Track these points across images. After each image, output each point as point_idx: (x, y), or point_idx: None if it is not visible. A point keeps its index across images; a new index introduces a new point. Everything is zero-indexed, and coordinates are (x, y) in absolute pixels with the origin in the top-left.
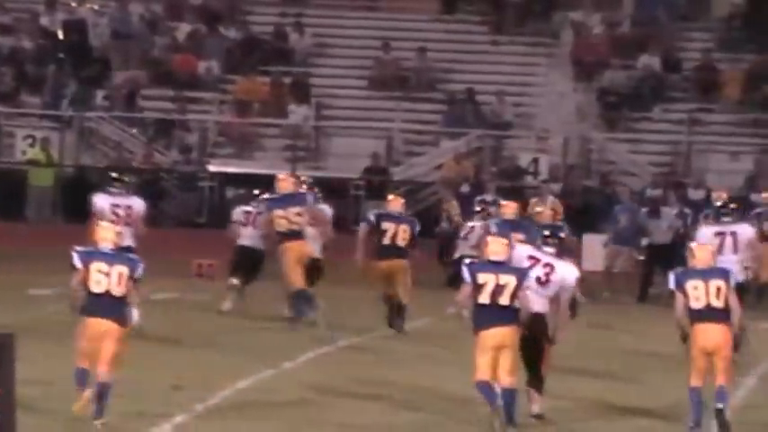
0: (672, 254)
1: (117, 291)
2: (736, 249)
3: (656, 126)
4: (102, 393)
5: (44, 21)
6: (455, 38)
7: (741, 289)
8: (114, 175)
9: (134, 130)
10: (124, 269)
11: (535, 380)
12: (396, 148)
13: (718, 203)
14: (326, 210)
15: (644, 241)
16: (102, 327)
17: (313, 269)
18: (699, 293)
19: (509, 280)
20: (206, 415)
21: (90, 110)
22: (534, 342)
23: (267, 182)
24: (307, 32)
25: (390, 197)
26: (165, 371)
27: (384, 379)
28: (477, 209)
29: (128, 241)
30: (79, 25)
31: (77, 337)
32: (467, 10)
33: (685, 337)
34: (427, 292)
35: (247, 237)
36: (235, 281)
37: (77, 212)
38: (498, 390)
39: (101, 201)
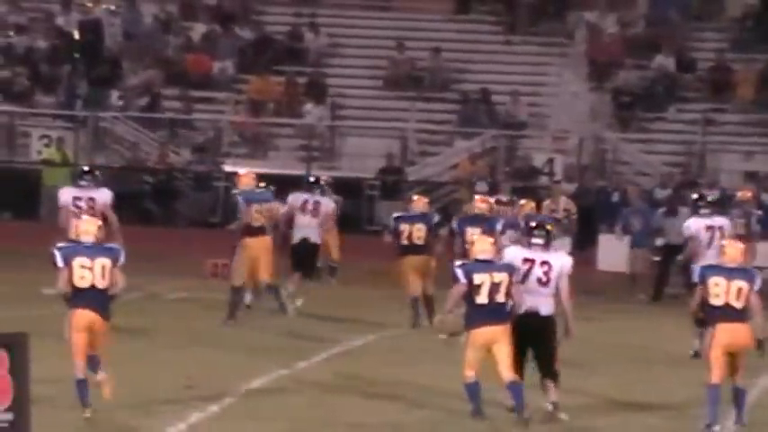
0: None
1: (101, 284)
2: None
3: (670, 126)
4: (83, 384)
5: (59, 21)
6: (469, 38)
7: None
8: (85, 168)
9: (153, 134)
10: (106, 261)
11: (551, 375)
12: (410, 148)
13: (695, 197)
14: (329, 203)
15: (659, 241)
16: (88, 318)
17: (312, 254)
18: (719, 291)
19: (502, 277)
20: (220, 415)
21: (104, 110)
22: (546, 344)
23: (281, 182)
24: (321, 32)
25: (415, 197)
26: (179, 371)
27: (396, 378)
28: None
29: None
30: (94, 25)
31: (67, 330)
32: (481, 10)
33: (700, 321)
34: (440, 291)
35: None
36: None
37: None
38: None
39: (64, 195)
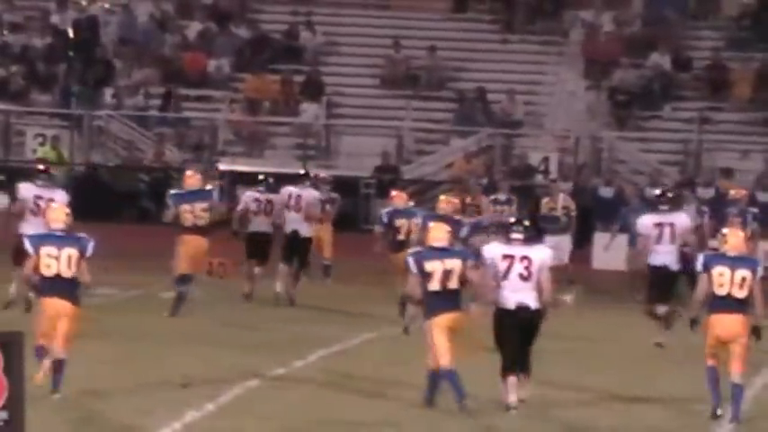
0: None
1: (67, 273)
2: (673, 239)
3: (666, 125)
4: (58, 368)
5: (55, 19)
6: (466, 36)
7: (676, 277)
8: (41, 167)
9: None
10: (73, 251)
11: (525, 366)
12: (406, 147)
13: (656, 192)
14: (311, 194)
15: None
16: (56, 306)
17: (302, 248)
18: (724, 280)
19: (454, 264)
20: (216, 413)
21: (98, 108)
22: (528, 336)
23: (286, 180)
24: (317, 31)
25: (394, 193)
26: (175, 369)
27: (393, 377)
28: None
29: None
30: (90, 24)
31: (37, 317)
32: (477, 9)
33: (693, 324)
34: None
35: (258, 224)
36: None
37: (88, 211)
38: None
39: (25, 190)
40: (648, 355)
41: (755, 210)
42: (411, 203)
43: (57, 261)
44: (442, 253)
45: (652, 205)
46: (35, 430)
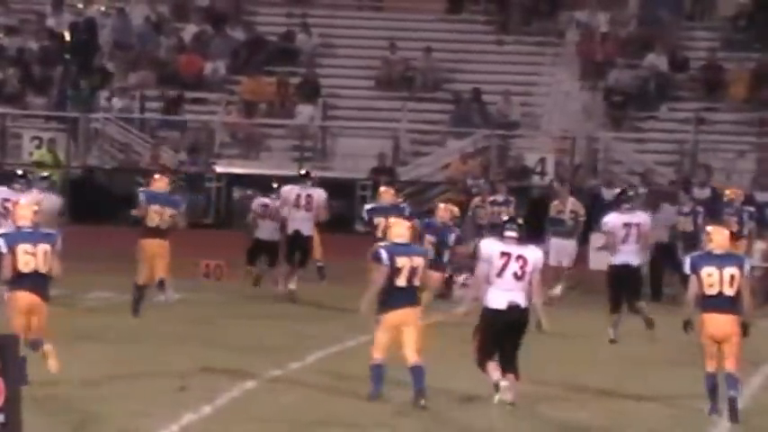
0: (673, 251)
1: (43, 268)
2: (638, 239)
3: (662, 125)
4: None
5: (50, 22)
6: (461, 38)
7: (638, 272)
8: (19, 172)
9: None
10: (47, 246)
11: (515, 368)
12: (402, 148)
13: (618, 191)
14: (321, 194)
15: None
16: (28, 300)
17: (305, 246)
18: (713, 280)
19: (419, 262)
20: (213, 416)
21: (94, 111)
22: (519, 337)
23: (282, 182)
24: (313, 32)
25: (383, 189)
26: (172, 372)
27: (391, 378)
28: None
29: None
30: (85, 26)
31: (8, 312)
32: (473, 10)
33: (687, 325)
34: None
35: (265, 229)
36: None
37: (84, 213)
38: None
39: None
40: (643, 355)
41: (752, 209)
42: (400, 200)
43: (34, 257)
44: (408, 249)
45: (616, 205)
46: None
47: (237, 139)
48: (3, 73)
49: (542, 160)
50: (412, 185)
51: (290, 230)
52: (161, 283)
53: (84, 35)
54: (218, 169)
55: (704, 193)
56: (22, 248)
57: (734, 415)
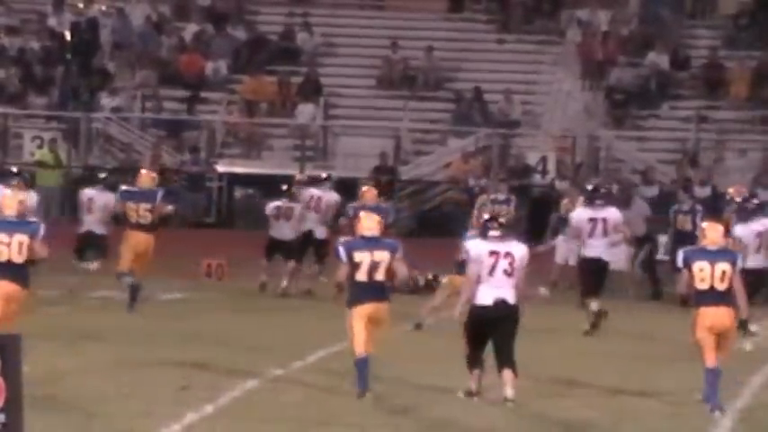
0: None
1: (18, 259)
2: (606, 233)
3: (664, 123)
4: None
5: (51, 22)
6: (462, 37)
7: (605, 269)
8: (14, 170)
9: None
10: (24, 237)
11: (512, 364)
12: (404, 148)
13: (589, 187)
14: (331, 197)
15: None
16: (6, 289)
17: (319, 249)
18: (704, 275)
19: (383, 256)
20: (216, 415)
21: (95, 111)
22: (511, 333)
23: (277, 181)
24: (314, 32)
25: (364, 188)
26: (173, 371)
27: (393, 378)
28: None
29: None
30: (87, 26)
31: None
32: (474, 9)
33: (684, 301)
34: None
35: (279, 229)
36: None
37: None
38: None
39: None
40: (644, 352)
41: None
42: (381, 200)
43: (8, 248)
44: (371, 244)
45: (589, 201)
46: None
47: (239, 139)
48: (4, 73)
49: (544, 159)
50: (413, 185)
51: (303, 230)
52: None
53: (85, 35)
54: (220, 169)
55: (705, 191)
56: None
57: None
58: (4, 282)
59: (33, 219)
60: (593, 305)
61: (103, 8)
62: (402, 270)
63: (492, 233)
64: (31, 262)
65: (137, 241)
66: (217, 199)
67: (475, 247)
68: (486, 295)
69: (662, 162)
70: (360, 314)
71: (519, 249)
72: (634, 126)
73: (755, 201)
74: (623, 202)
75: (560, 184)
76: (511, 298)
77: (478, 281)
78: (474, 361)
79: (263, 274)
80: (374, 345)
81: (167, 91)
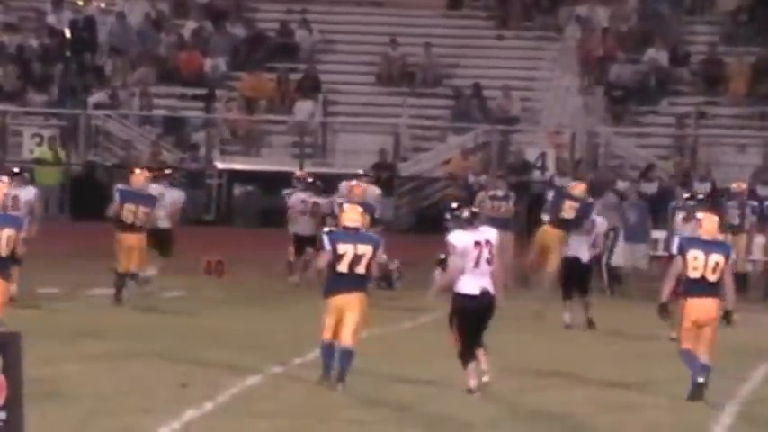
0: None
1: (4, 251)
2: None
3: (663, 120)
4: None
5: (50, 19)
6: (461, 33)
7: (589, 269)
8: (15, 170)
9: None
10: (11, 231)
11: (482, 344)
12: (403, 144)
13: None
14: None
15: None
16: None
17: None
18: (698, 264)
19: (366, 250)
20: (215, 413)
21: (94, 108)
22: (486, 319)
23: (276, 178)
24: (313, 29)
25: (353, 182)
26: (173, 368)
27: (393, 374)
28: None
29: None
30: (86, 24)
31: None
32: (473, 5)
33: (663, 310)
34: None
35: (302, 224)
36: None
37: (85, 211)
38: (338, 349)
39: None
40: (645, 351)
41: (755, 203)
42: (366, 197)
43: None
44: (356, 237)
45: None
46: (34, 430)
47: (238, 136)
48: (3, 70)
49: (543, 155)
50: (413, 181)
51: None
52: (133, 276)
53: (83, 33)
54: (219, 166)
55: (704, 187)
56: None
57: (697, 395)
58: None
59: (17, 214)
60: (566, 317)
61: (102, 5)
62: (376, 267)
63: (471, 224)
64: (13, 255)
65: (129, 245)
66: (216, 196)
67: (460, 239)
68: (472, 285)
69: (660, 158)
70: (335, 304)
71: (493, 235)
72: (633, 122)
73: None
74: (596, 194)
75: (560, 181)
76: (491, 287)
77: (462, 272)
78: (469, 355)
79: (294, 275)
80: (354, 337)
81: (166, 88)
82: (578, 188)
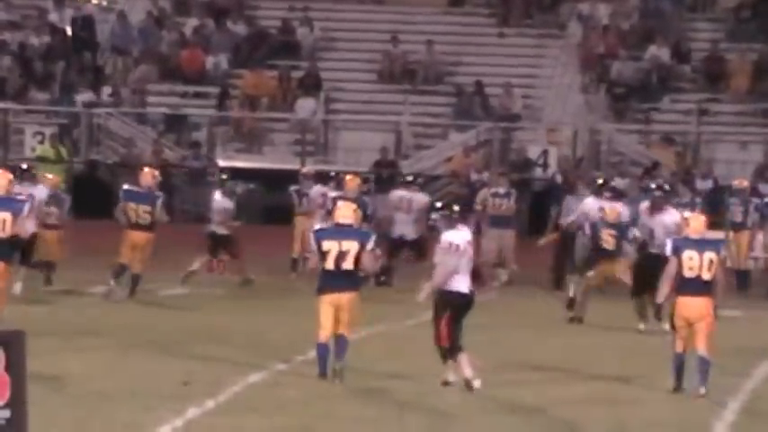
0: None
1: (2, 234)
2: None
3: (665, 117)
4: None
5: (52, 17)
6: (463, 30)
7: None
8: (24, 167)
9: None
10: (8, 215)
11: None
12: (404, 142)
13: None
14: (424, 198)
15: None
16: None
17: (417, 249)
18: (693, 264)
19: (351, 246)
20: (217, 410)
21: (96, 106)
22: (465, 316)
23: (278, 176)
24: (314, 26)
25: (348, 177)
26: (175, 366)
27: (395, 372)
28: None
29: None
30: (88, 22)
31: None
32: (474, 2)
33: (658, 312)
34: None
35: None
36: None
37: (87, 208)
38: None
39: None
40: (645, 349)
41: (757, 200)
42: (362, 192)
43: None
44: (341, 233)
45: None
46: (37, 428)
47: (240, 134)
48: (5, 68)
49: (545, 153)
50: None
51: (395, 234)
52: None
53: (85, 30)
54: (221, 163)
55: (706, 184)
56: None
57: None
58: None
59: (20, 197)
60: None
61: (104, 3)
62: (369, 262)
63: (462, 224)
64: (14, 238)
65: (134, 241)
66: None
67: (459, 238)
68: (463, 284)
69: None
70: (326, 302)
71: (468, 235)
72: (635, 119)
73: None
74: (569, 190)
75: (561, 178)
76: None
77: (458, 271)
78: (457, 348)
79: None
80: (346, 328)
81: (168, 86)
82: (612, 214)
